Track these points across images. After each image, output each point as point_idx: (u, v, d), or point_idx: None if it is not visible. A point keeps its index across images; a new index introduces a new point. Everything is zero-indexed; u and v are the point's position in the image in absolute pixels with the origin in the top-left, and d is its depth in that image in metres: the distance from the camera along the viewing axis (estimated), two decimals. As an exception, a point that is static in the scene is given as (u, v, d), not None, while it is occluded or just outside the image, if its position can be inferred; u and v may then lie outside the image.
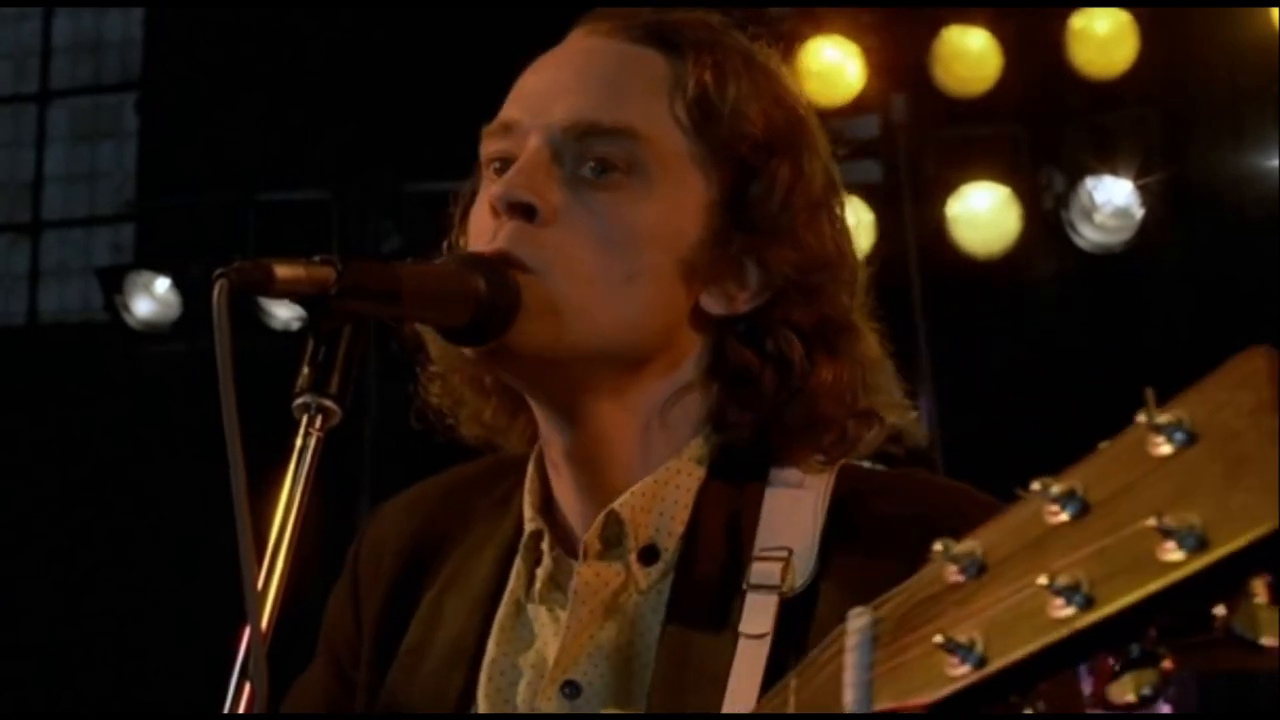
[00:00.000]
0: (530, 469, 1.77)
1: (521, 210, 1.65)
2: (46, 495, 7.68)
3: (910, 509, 1.66)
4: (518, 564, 1.75)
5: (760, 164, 1.71)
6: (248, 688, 1.32)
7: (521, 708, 1.69)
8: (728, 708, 1.58)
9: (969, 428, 5.77)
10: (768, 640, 1.61)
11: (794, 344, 1.71)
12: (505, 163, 1.70)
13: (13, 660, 7.40)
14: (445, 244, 1.79)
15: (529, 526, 1.74)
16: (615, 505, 1.69)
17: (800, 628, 1.61)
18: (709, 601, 1.66)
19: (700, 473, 1.72)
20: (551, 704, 1.67)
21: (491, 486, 1.85)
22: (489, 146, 1.73)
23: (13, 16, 8.84)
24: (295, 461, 1.41)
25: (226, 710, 1.33)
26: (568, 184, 1.67)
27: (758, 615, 1.62)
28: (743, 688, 1.59)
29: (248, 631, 1.32)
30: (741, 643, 1.61)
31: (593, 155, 1.67)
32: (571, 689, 1.67)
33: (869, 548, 1.63)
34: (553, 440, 1.73)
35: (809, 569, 1.64)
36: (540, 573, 1.73)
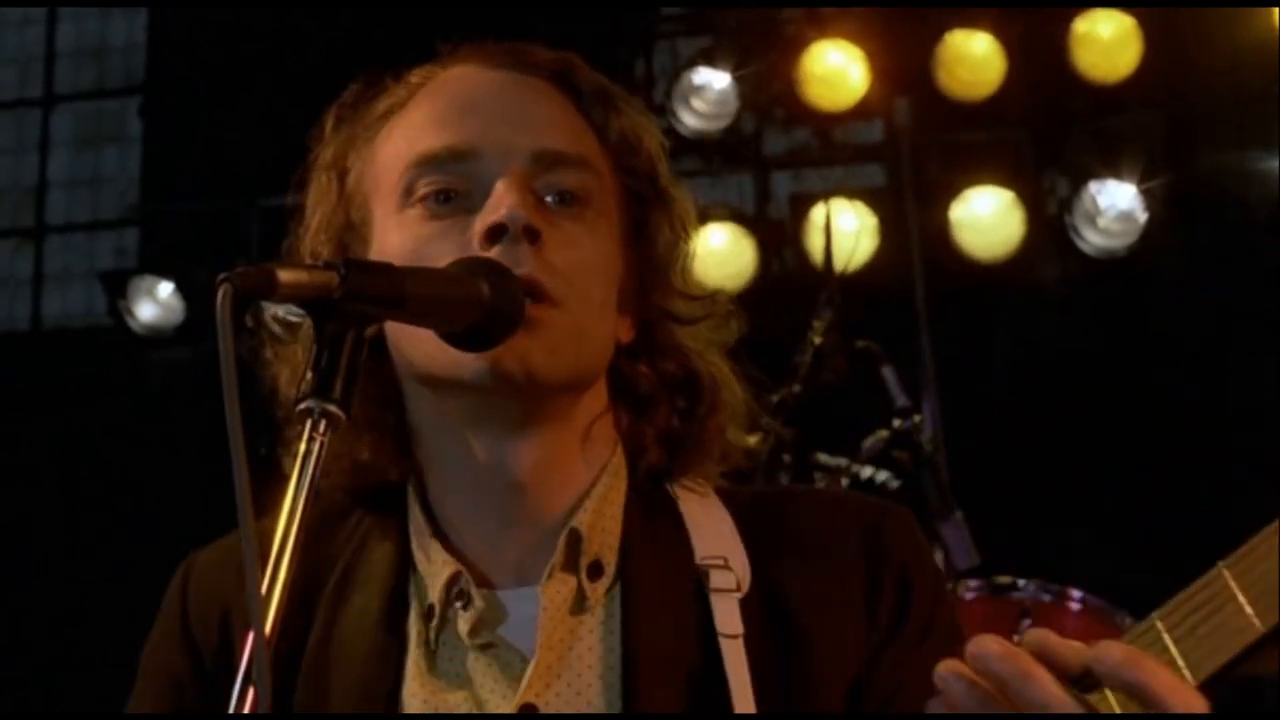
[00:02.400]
0: (416, 510, 1.76)
1: (530, 234, 1.66)
2: (49, 499, 7.68)
3: (837, 520, 1.78)
4: (426, 608, 1.72)
5: (655, 206, 1.82)
6: (251, 692, 1.32)
7: None
8: (739, 703, 1.63)
9: (973, 431, 5.76)
10: (741, 640, 1.67)
11: (679, 366, 1.81)
12: (448, 194, 1.71)
13: (13, 663, 7.40)
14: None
15: (446, 569, 1.71)
16: (575, 523, 1.72)
17: (764, 625, 1.69)
18: (674, 608, 1.70)
19: (623, 488, 1.78)
20: None
21: (331, 531, 1.80)
22: (427, 176, 1.72)
23: (16, 21, 8.84)
24: (299, 467, 1.41)
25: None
26: (539, 212, 1.70)
27: (727, 617, 1.69)
28: (739, 682, 1.64)
29: (251, 636, 1.31)
30: (724, 643, 1.66)
31: (557, 186, 1.72)
32: (529, 710, 1.66)
33: (803, 553, 1.74)
34: (491, 468, 1.72)
35: (748, 574, 1.73)
36: (470, 614, 1.70)
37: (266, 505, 1.39)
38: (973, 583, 4.50)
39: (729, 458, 1.84)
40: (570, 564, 1.71)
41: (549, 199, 1.71)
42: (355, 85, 1.84)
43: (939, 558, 4.76)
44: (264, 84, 7.23)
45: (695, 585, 1.71)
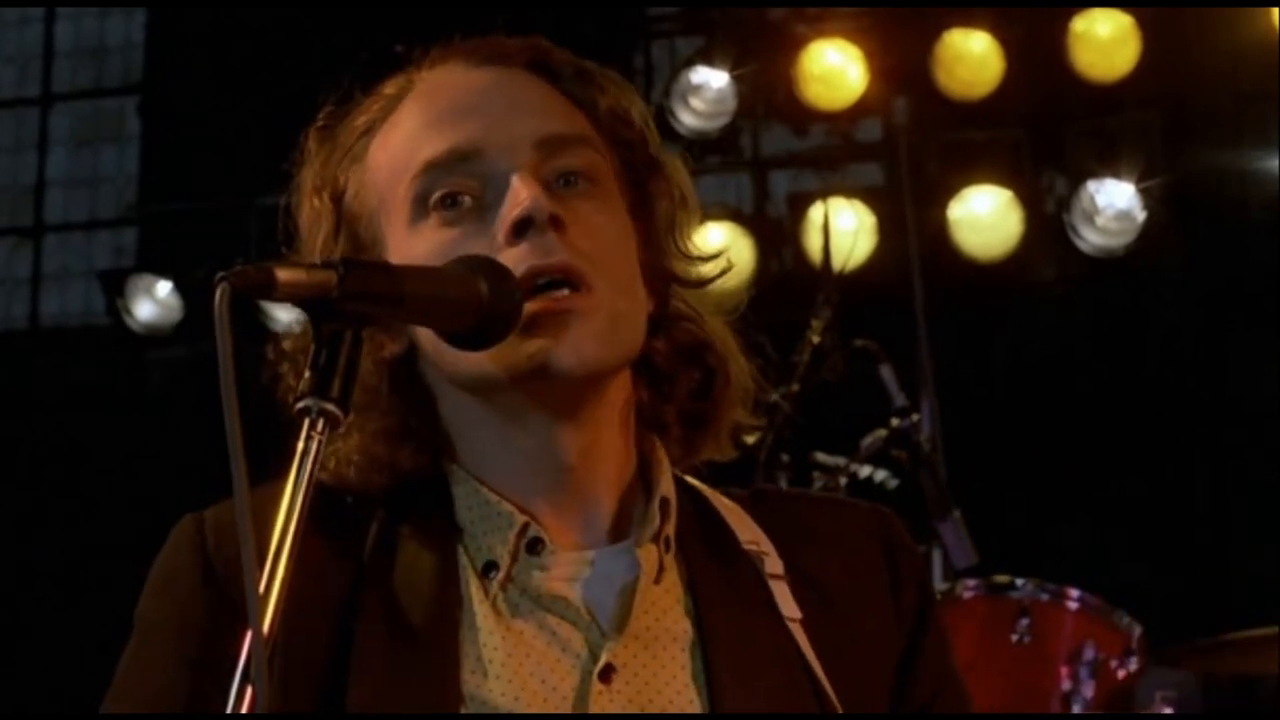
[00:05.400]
0: (464, 475, 1.73)
1: (555, 222, 1.65)
2: (48, 499, 7.68)
3: (846, 518, 1.83)
4: (484, 564, 1.70)
5: (652, 171, 1.80)
6: (249, 691, 1.32)
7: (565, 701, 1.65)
8: (827, 685, 1.67)
9: (971, 431, 5.77)
10: (799, 623, 1.71)
11: (690, 336, 1.80)
12: (455, 197, 1.69)
13: (13, 662, 7.40)
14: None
15: (517, 521, 1.69)
16: (664, 493, 1.73)
17: (812, 611, 1.72)
18: (741, 589, 1.72)
19: (670, 468, 1.78)
20: (592, 688, 1.64)
21: (355, 508, 1.75)
22: (436, 182, 1.70)
23: (15, 20, 8.84)
24: (297, 465, 1.41)
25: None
26: (555, 198, 1.68)
27: (785, 601, 1.72)
28: (817, 666, 1.68)
29: (249, 635, 1.32)
30: (792, 627, 1.70)
31: (562, 167, 1.70)
32: (609, 671, 1.65)
33: (823, 546, 1.79)
34: (539, 458, 1.71)
35: (780, 563, 1.75)
36: (546, 564, 1.68)
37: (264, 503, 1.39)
38: (971, 582, 4.50)
39: (728, 438, 1.83)
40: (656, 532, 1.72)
41: (559, 183, 1.70)
42: (327, 106, 1.82)
43: (937, 557, 4.77)
44: (262, 83, 7.23)
45: (751, 569, 1.74)
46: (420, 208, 1.71)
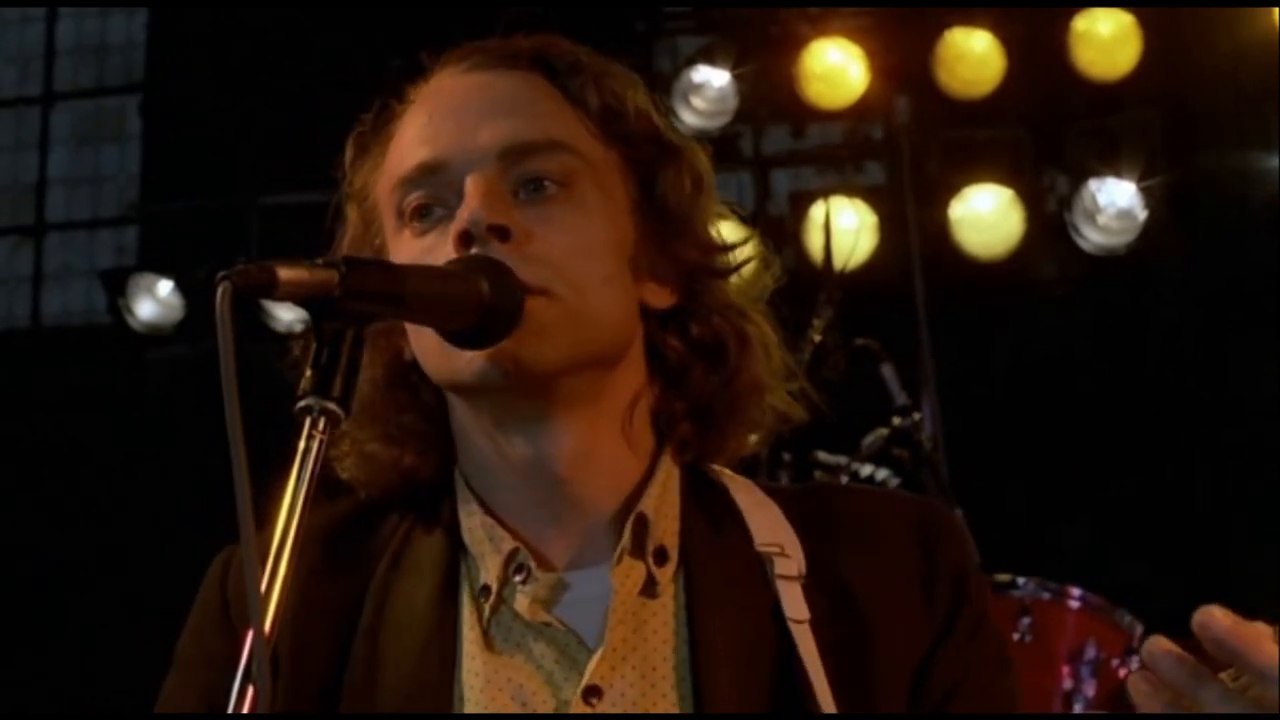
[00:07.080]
0: (467, 493, 1.76)
1: (498, 233, 1.66)
2: (48, 498, 7.68)
3: (886, 513, 1.80)
4: (480, 588, 1.71)
5: (661, 163, 1.79)
6: (250, 690, 1.32)
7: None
8: (818, 688, 1.65)
9: (972, 429, 5.76)
10: (808, 624, 1.69)
11: (714, 328, 1.79)
12: (428, 209, 1.71)
13: (13, 662, 7.40)
14: None
15: (505, 545, 1.71)
16: (642, 508, 1.72)
17: (828, 610, 1.71)
18: (741, 594, 1.70)
19: (677, 472, 1.78)
20: (575, 709, 1.64)
21: (374, 525, 1.79)
22: (408, 195, 1.72)
23: (16, 19, 8.84)
24: (298, 464, 1.40)
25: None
26: (518, 206, 1.69)
27: (794, 602, 1.70)
28: (814, 667, 1.67)
29: (251, 634, 1.32)
30: (794, 628, 1.68)
31: (530, 174, 1.70)
32: (592, 693, 1.65)
33: (856, 542, 1.76)
34: (530, 465, 1.71)
35: (803, 561, 1.73)
36: (531, 588, 1.70)
37: (267, 503, 1.39)
38: (972, 581, 4.50)
39: (763, 424, 1.82)
40: (637, 549, 1.71)
41: (526, 190, 1.70)
42: (368, 114, 1.85)
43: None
44: (264, 82, 7.23)
45: (760, 571, 1.72)
46: (400, 219, 1.74)
